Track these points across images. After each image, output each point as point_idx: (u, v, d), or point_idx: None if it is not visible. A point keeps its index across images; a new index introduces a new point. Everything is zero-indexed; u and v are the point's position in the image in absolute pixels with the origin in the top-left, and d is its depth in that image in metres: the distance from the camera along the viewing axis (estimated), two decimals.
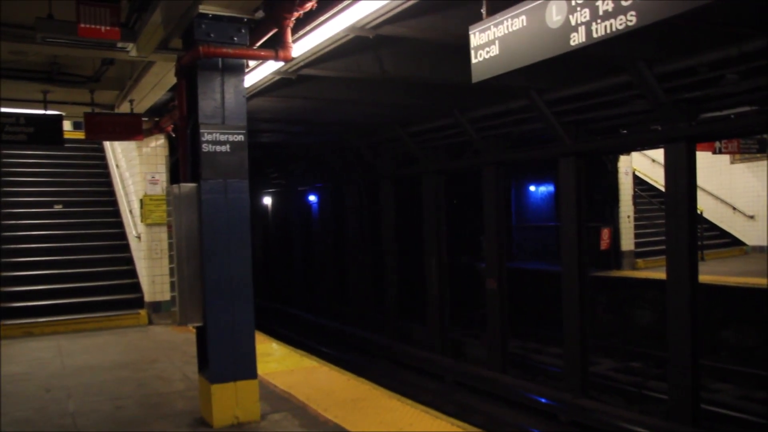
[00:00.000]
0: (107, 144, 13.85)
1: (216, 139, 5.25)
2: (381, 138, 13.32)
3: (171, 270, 5.43)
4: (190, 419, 5.77)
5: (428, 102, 10.02)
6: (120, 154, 12.84)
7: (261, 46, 5.49)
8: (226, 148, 5.28)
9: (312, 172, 18.46)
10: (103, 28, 5.09)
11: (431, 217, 12.78)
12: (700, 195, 9.67)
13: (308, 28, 5.58)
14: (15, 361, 8.46)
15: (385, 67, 7.47)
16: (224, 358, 5.41)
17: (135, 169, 11.14)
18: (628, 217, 14.23)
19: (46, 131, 8.72)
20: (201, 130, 5.19)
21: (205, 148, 5.21)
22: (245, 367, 5.52)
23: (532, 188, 18.01)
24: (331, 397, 6.32)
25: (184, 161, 5.40)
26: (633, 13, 3.48)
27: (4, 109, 8.83)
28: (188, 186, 5.31)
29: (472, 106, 10.35)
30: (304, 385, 6.77)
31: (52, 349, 9.04)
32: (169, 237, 5.41)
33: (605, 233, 13.24)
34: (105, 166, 14.03)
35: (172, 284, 5.41)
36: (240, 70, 5.37)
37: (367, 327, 15.52)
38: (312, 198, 20.12)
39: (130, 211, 11.68)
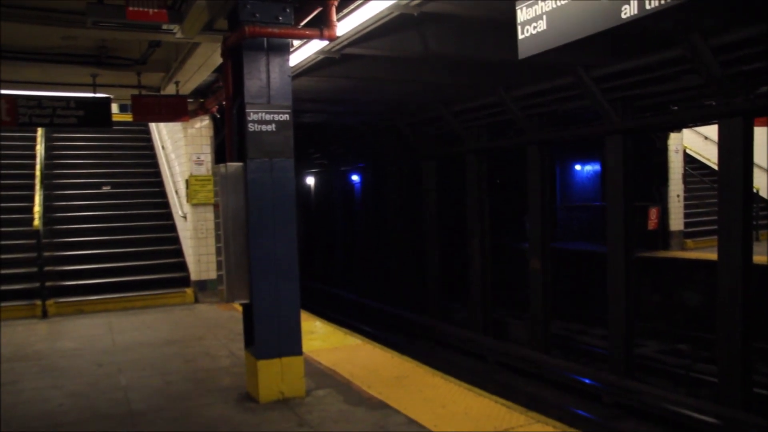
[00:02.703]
0: (153, 126, 14.05)
1: (261, 119, 5.29)
2: (423, 117, 13.24)
3: (218, 249, 5.51)
4: (237, 394, 5.88)
5: (472, 80, 9.91)
6: (165, 136, 13.03)
7: (305, 26, 5.49)
8: (271, 127, 5.32)
9: (354, 152, 18.49)
10: (150, 10, 5.17)
11: (474, 197, 12.70)
12: (756, 173, 9.38)
13: (353, 6, 5.56)
14: (68, 337, 8.74)
15: (429, 45, 7.39)
16: (270, 335, 5.50)
17: (180, 150, 11.31)
18: (678, 196, 13.90)
19: (95, 114, 8.90)
20: (247, 110, 5.24)
21: (251, 127, 5.26)
22: (290, 344, 5.60)
23: (577, 167, 17.70)
24: (375, 374, 6.36)
25: (231, 141, 5.46)
26: None
27: (55, 93, 9.05)
28: (234, 165, 5.37)
29: (516, 84, 10.20)
30: (348, 362, 6.83)
31: (103, 326, 9.30)
32: (216, 216, 5.49)
33: (653, 213, 12.97)
34: (151, 147, 14.25)
35: (219, 263, 5.50)
36: (285, 50, 5.38)
37: (408, 306, 15.57)
38: (354, 178, 20.18)
39: (176, 192, 11.87)
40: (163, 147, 13.20)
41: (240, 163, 5.37)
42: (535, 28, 4.47)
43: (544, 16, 4.37)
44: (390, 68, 8.94)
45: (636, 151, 9.55)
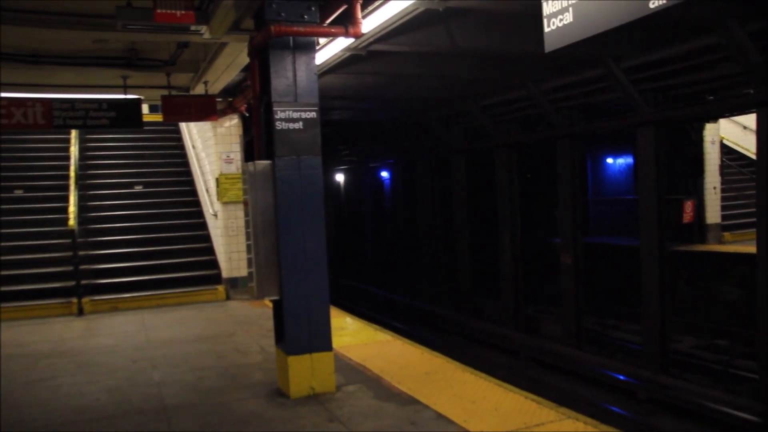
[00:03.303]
0: (183, 125, 14.23)
1: (289, 117, 5.32)
2: (451, 112, 13.20)
3: (248, 246, 5.57)
4: (268, 390, 5.93)
5: (499, 74, 9.84)
6: (195, 135, 13.19)
7: (330, 24, 5.51)
8: (298, 125, 5.35)
9: (383, 148, 18.50)
10: (178, 12, 5.24)
11: (504, 192, 12.62)
12: None
13: (377, 3, 5.55)
14: (103, 333, 8.92)
15: (455, 40, 7.36)
16: (300, 331, 5.54)
17: (210, 149, 11.44)
18: (714, 188, 13.61)
19: (127, 115, 9.06)
20: (274, 108, 5.27)
21: (279, 125, 5.29)
22: (320, 340, 5.63)
23: (609, 160, 17.45)
24: (405, 370, 6.37)
25: (259, 139, 5.51)
26: None
27: (87, 96, 9.23)
28: (263, 163, 5.41)
29: (545, 77, 10.09)
30: (378, 358, 6.84)
31: (137, 323, 9.45)
32: (246, 214, 5.55)
33: (688, 206, 12.71)
34: (181, 147, 14.45)
35: (249, 260, 5.56)
36: (311, 48, 5.41)
37: (439, 302, 15.55)
38: (383, 174, 20.19)
39: (207, 190, 12.02)
40: (193, 146, 13.36)
41: (268, 161, 5.41)
42: (561, 20, 4.41)
43: (570, 9, 4.31)
44: (417, 64, 8.92)
45: (669, 143, 9.40)
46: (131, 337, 8.58)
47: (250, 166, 5.40)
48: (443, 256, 15.82)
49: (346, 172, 23.35)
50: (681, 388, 8.81)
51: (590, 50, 7.92)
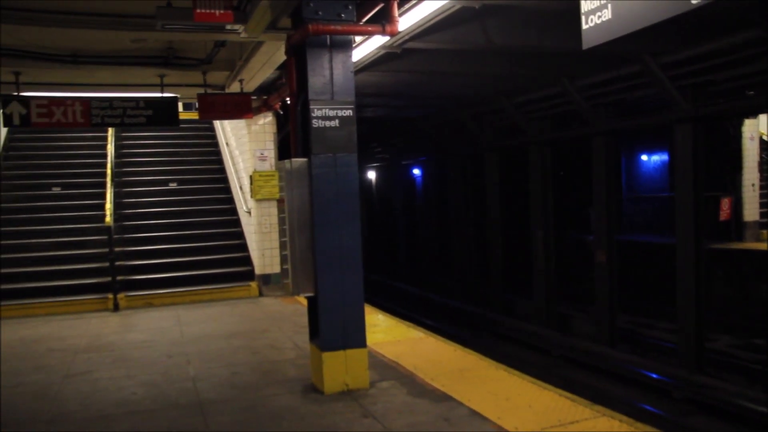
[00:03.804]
0: (217, 123, 14.37)
1: (325, 115, 5.36)
2: (484, 109, 13.14)
3: (283, 243, 5.62)
4: (302, 386, 5.98)
5: (534, 71, 9.78)
6: (229, 133, 13.31)
7: (367, 22, 5.52)
8: (335, 123, 5.39)
9: (415, 145, 18.50)
10: (217, 12, 5.30)
11: (538, 189, 12.54)
12: None
13: (414, 1, 5.55)
14: (138, 329, 9.05)
15: (491, 37, 7.32)
16: (335, 327, 5.58)
17: (245, 146, 11.55)
18: (753, 185, 13.34)
19: (163, 113, 9.18)
20: (311, 106, 5.31)
21: (315, 123, 5.33)
22: (355, 336, 5.66)
23: (643, 157, 17.20)
24: (438, 366, 6.38)
25: (295, 137, 5.55)
26: None
27: (125, 94, 9.39)
28: (299, 161, 5.46)
29: (580, 73, 9.99)
30: (411, 355, 6.86)
31: (171, 319, 9.57)
32: (281, 211, 5.60)
33: (725, 203, 12.50)
34: (215, 144, 14.61)
35: (284, 257, 5.61)
36: (347, 46, 5.44)
37: (470, 300, 15.51)
38: (415, 171, 20.19)
39: (240, 188, 12.13)
40: (226, 144, 13.49)
41: (304, 159, 5.46)
42: (599, 17, 4.37)
43: (609, 5, 4.27)
44: (452, 61, 8.90)
45: (706, 139, 9.22)
46: (166, 333, 8.69)
47: (287, 163, 5.44)
48: (474, 253, 15.77)
49: (377, 169, 23.40)
50: (718, 387, 8.67)
51: (627, 46, 7.83)
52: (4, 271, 10.79)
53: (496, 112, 13.01)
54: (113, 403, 5.80)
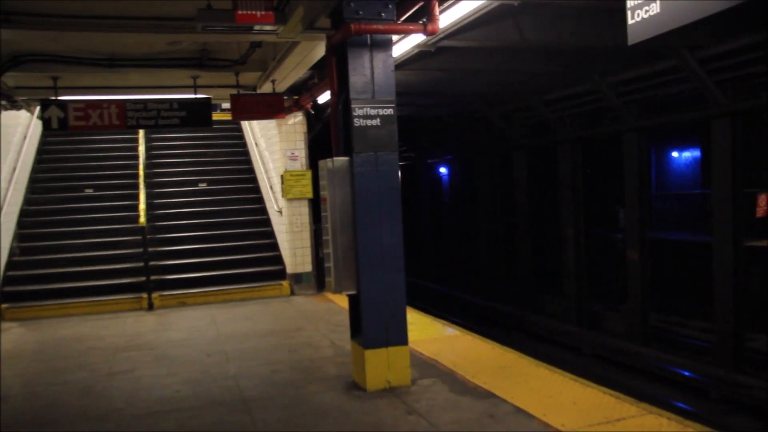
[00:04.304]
0: (245, 123, 14.41)
1: (366, 114, 5.39)
2: (513, 107, 13.10)
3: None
4: (343, 383, 6.01)
5: (566, 68, 9.73)
6: (258, 133, 13.36)
7: (405, 20, 5.55)
8: (376, 122, 5.42)
9: (442, 144, 18.48)
10: (258, 13, 5.34)
11: (568, 187, 12.48)
12: None
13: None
14: (174, 328, 9.15)
15: (524, 35, 7.31)
16: (377, 325, 5.61)
17: (275, 146, 11.61)
18: None
19: (197, 114, 9.23)
20: (352, 106, 5.35)
21: (357, 122, 5.37)
22: (397, 334, 5.69)
23: (674, 154, 17.01)
24: (477, 364, 6.38)
25: (336, 136, 5.59)
26: None
27: (159, 96, 9.49)
28: (341, 160, 5.50)
29: (612, 70, 9.92)
30: (449, 352, 6.87)
31: (206, 318, 9.66)
32: (323, 210, 5.64)
33: (762, 199, 12.28)
34: (243, 144, 14.67)
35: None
36: (388, 45, 5.46)
37: (498, 299, 15.46)
38: (442, 170, 20.17)
39: (271, 187, 12.19)
40: (255, 144, 13.55)
41: (346, 158, 5.50)
42: (647, 12, 4.33)
43: None
44: (483, 59, 8.88)
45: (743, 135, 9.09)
46: (202, 332, 8.78)
47: (328, 162, 5.49)
48: (503, 251, 15.72)
49: (402, 168, 23.40)
50: (758, 386, 8.57)
51: (664, 41, 7.72)
52: (41, 271, 11.00)
53: (525, 110, 12.97)
54: (158, 401, 5.89)
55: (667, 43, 7.87)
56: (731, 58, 8.39)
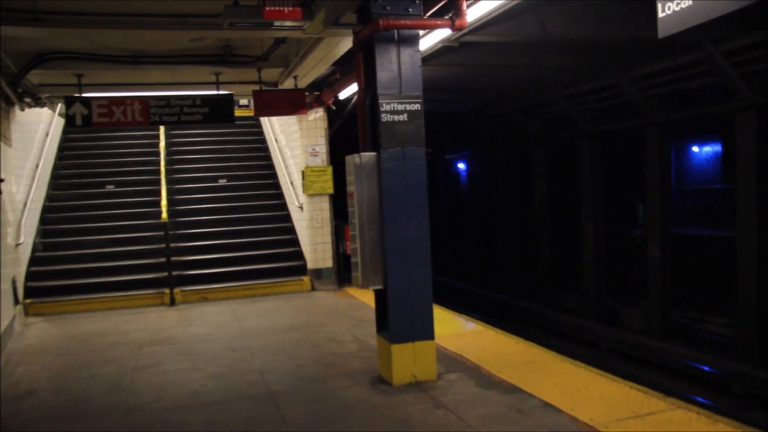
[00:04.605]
0: (264, 119, 14.49)
1: (394, 109, 5.41)
2: (532, 102, 13.06)
3: (352, 237, 5.68)
4: (369, 377, 6.04)
5: (587, 62, 9.68)
6: (278, 129, 13.40)
7: (432, 16, 5.55)
8: (403, 117, 5.44)
9: (460, 139, 18.44)
10: (286, 9, 5.38)
11: (588, 182, 12.43)
12: None
13: None
14: (197, 323, 9.20)
15: (547, 29, 7.28)
16: (403, 320, 5.63)
17: (295, 142, 11.64)
18: None
19: (219, 110, 9.31)
20: (379, 101, 5.37)
21: (384, 118, 5.39)
22: (423, 328, 5.71)
23: (694, 149, 16.88)
24: (503, 359, 6.39)
25: (364, 131, 5.60)
26: None
27: (181, 93, 9.56)
28: (368, 155, 5.52)
29: (634, 64, 9.84)
30: (473, 347, 6.88)
31: (228, 313, 9.70)
32: (350, 205, 5.65)
33: None
34: (263, 140, 14.74)
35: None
36: (415, 41, 5.48)
37: (516, 294, 15.44)
38: (460, 166, 20.14)
39: (291, 183, 12.23)
40: (275, 140, 13.59)
41: (373, 153, 5.52)
42: (678, 4, 4.32)
43: None
44: (504, 54, 8.85)
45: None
46: (225, 327, 8.82)
47: (356, 158, 5.51)
48: (521, 247, 15.69)
49: None
50: None
51: (687, 34, 7.67)
52: (64, 267, 11.11)
53: (545, 105, 12.92)
54: (186, 395, 5.93)
55: (691, 35, 7.79)
56: (756, 50, 8.30)
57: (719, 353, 10.39)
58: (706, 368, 9.66)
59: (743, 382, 8.98)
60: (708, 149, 16.54)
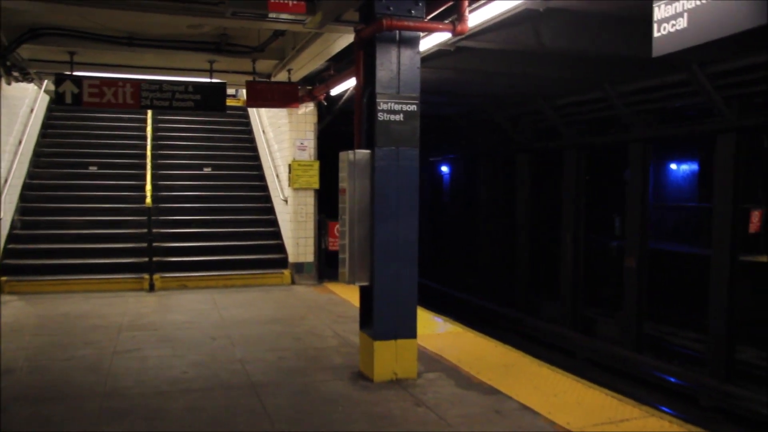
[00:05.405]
0: (252, 110, 14.45)
1: (390, 109, 5.48)
2: (521, 110, 13.18)
3: (341, 233, 5.74)
4: (349, 372, 6.10)
5: (577, 75, 9.81)
6: (266, 121, 13.38)
7: (432, 19, 5.64)
8: (399, 117, 5.51)
9: (445, 143, 18.51)
10: (290, 2, 5.42)
11: (570, 193, 12.58)
12: None
13: (482, 1, 5.65)
14: (176, 310, 9.15)
15: (542, 40, 7.39)
16: (388, 317, 5.70)
17: (284, 135, 11.64)
18: None
19: (211, 98, 9.31)
20: (377, 100, 5.43)
21: (380, 116, 5.45)
22: (406, 327, 5.79)
23: (672, 166, 17.19)
24: (482, 361, 6.49)
25: (359, 129, 5.67)
26: None
27: (174, 78, 9.53)
28: (362, 153, 5.58)
29: (622, 79, 10.02)
30: (453, 348, 6.97)
31: (208, 302, 9.67)
32: (342, 201, 5.71)
33: (755, 216, 12.47)
34: (250, 132, 14.70)
35: (342, 246, 5.73)
36: (415, 42, 5.55)
37: (495, 299, 15.58)
38: (443, 168, 20.23)
39: (277, 176, 12.23)
40: (263, 132, 13.57)
41: (368, 151, 5.58)
42: (673, 26, 4.44)
43: (685, 14, 4.35)
44: (498, 61, 8.95)
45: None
46: (205, 315, 8.80)
47: (350, 154, 5.57)
48: (501, 252, 15.83)
49: None
50: (748, 398, 8.73)
51: (676, 54, 7.84)
52: (42, 246, 11.01)
53: (533, 114, 13.05)
54: (166, 381, 5.92)
55: (677, 55, 7.95)
56: (740, 75, 8.51)
57: (689, 367, 10.61)
58: (675, 380, 9.87)
59: (711, 395, 9.20)
60: (685, 167, 16.84)
